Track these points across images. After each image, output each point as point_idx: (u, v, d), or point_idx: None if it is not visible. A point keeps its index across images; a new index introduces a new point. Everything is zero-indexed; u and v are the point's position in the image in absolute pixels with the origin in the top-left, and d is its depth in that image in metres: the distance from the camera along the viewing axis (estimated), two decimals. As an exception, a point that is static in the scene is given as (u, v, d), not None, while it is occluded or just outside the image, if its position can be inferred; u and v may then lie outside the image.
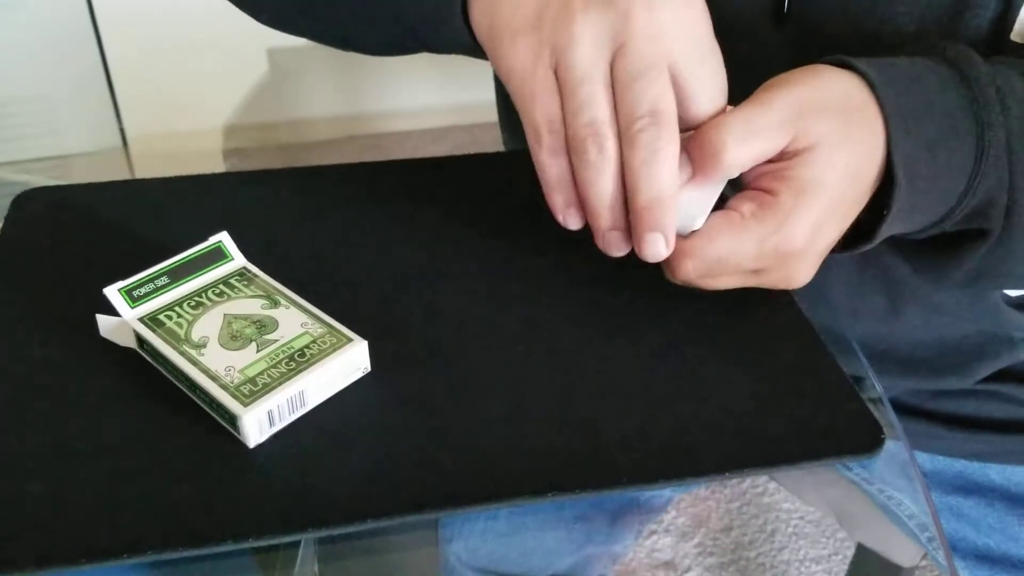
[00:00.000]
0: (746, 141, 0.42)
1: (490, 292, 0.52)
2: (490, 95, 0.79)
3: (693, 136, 0.42)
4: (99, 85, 1.69)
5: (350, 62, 1.85)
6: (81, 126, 1.77)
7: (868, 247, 0.48)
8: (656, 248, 0.43)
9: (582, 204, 0.44)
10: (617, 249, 0.44)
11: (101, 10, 1.59)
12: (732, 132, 0.42)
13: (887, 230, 0.47)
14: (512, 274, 0.53)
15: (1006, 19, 0.54)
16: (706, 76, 0.43)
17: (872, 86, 0.44)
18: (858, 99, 0.44)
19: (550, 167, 0.44)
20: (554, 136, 0.43)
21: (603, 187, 0.42)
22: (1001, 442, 0.69)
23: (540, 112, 0.43)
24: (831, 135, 0.44)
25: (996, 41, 0.54)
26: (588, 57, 0.41)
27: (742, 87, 0.49)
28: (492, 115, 0.80)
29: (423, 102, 1.95)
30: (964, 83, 0.46)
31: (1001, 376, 0.67)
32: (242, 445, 0.42)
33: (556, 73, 0.43)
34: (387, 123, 2.04)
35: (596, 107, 0.41)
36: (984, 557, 0.70)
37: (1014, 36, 0.54)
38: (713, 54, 0.44)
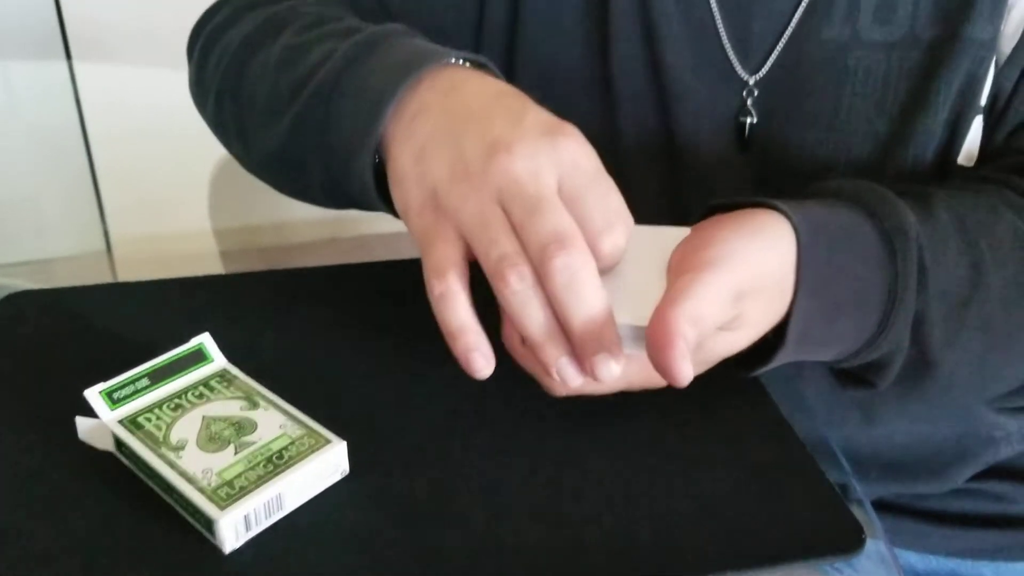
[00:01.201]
0: (695, 330, 0.41)
1: (469, 393, 0.52)
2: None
3: (649, 325, 0.41)
4: (86, 190, 1.71)
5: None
6: (66, 230, 1.78)
7: (745, 375, 0.49)
8: (608, 369, 0.41)
9: (525, 342, 0.43)
10: (574, 379, 0.42)
11: (91, 120, 1.62)
12: (684, 325, 0.40)
13: (767, 367, 0.47)
14: (492, 374, 0.53)
15: (952, 146, 0.56)
16: (595, 202, 0.43)
17: (799, 246, 0.44)
18: (787, 267, 0.44)
19: (444, 316, 0.42)
20: (442, 282, 0.42)
21: (537, 314, 0.41)
22: (991, 538, 0.69)
23: (430, 260, 0.43)
24: (759, 316, 0.44)
25: (943, 162, 0.57)
26: (479, 209, 0.42)
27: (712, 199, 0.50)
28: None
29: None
30: (890, 259, 0.46)
31: (985, 474, 0.67)
32: (218, 551, 0.42)
33: (459, 233, 0.43)
34: (369, 225, 2.05)
35: (502, 244, 0.41)
36: None
37: (961, 160, 0.56)
38: (598, 181, 0.43)
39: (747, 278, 0.43)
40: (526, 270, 0.41)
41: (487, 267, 0.42)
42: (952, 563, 0.71)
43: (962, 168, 0.57)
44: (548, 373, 0.42)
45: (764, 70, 0.59)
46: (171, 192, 1.71)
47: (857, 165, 0.58)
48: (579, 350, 0.41)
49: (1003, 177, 0.54)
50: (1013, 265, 0.49)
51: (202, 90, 0.63)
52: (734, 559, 0.42)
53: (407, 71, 0.47)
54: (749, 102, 0.60)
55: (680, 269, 0.43)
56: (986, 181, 0.54)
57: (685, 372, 0.39)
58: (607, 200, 0.43)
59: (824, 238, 0.45)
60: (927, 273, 0.47)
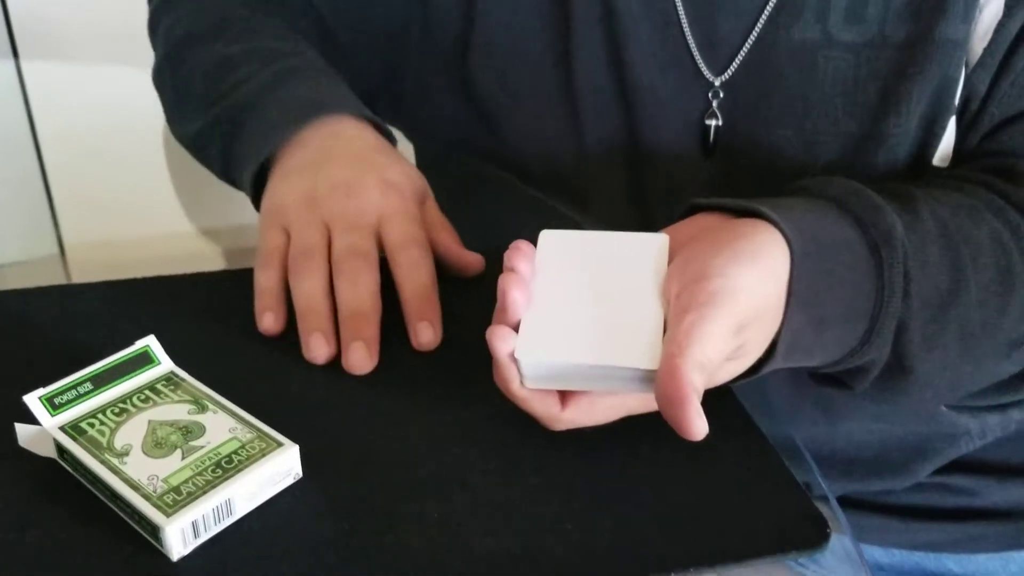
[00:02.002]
0: (704, 374, 0.41)
1: (427, 392, 0.51)
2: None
3: (659, 377, 0.40)
4: (37, 193, 1.67)
5: (294, 169, 1.83)
6: (18, 235, 1.74)
7: (731, 384, 0.49)
8: (358, 356, 0.50)
9: (295, 303, 0.52)
10: (316, 350, 0.51)
11: (40, 120, 1.58)
12: (695, 376, 0.40)
13: (754, 377, 0.48)
14: (449, 372, 0.52)
15: (926, 147, 0.55)
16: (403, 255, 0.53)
17: (792, 260, 0.44)
18: (782, 287, 0.44)
19: (258, 279, 0.54)
20: (267, 258, 0.54)
21: (310, 290, 0.51)
22: (954, 531, 0.69)
23: (262, 244, 0.55)
24: (760, 341, 0.45)
25: (916, 164, 0.56)
26: (309, 221, 0.54)
27: (679, 207, 0.50)
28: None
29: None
30: (877, 269, 0.46)
31: (946, 469, 0.68)
32: (166, 559, 0.40)
33: (287, 234, 0.54)
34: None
35: (311, 238, 0.53)
36: None
37: (936, 161, 0.56)
38: (409, 240, 0.54)
39: (749, 309, 0.42)
40: (318, 259, 0.52)
41: (292, 252, 0.53)
42: (916, 556, 0.71)
43: (938, 169, 0.56)
44: (303, 341, 0.51)
45: (730, 71, 0.58)
46: (126, 194, 1.67)
47: (827, 168, 0.57)
48: (342, 333, 0.51)
49: (982, 178, 0.53)
50: (990, 270, 0.49)
51: (153, 41, 0.74)
52: (697, 557, 0.41)
53: (301, 116, 0.58)
54: (715, 104, 0.58)
55: (680, 305, 0.42)
56: (966, 182, 0.53)
57: (700, 428, 0.39)
58: (409, 251, 0.53)
59: (815, 249, 0.45)
60: (910, 280, 0.46)
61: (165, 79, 0.70)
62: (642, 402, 0.45)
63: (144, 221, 1.74)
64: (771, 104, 0.57)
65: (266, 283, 0.53)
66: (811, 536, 0.43)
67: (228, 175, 0.64)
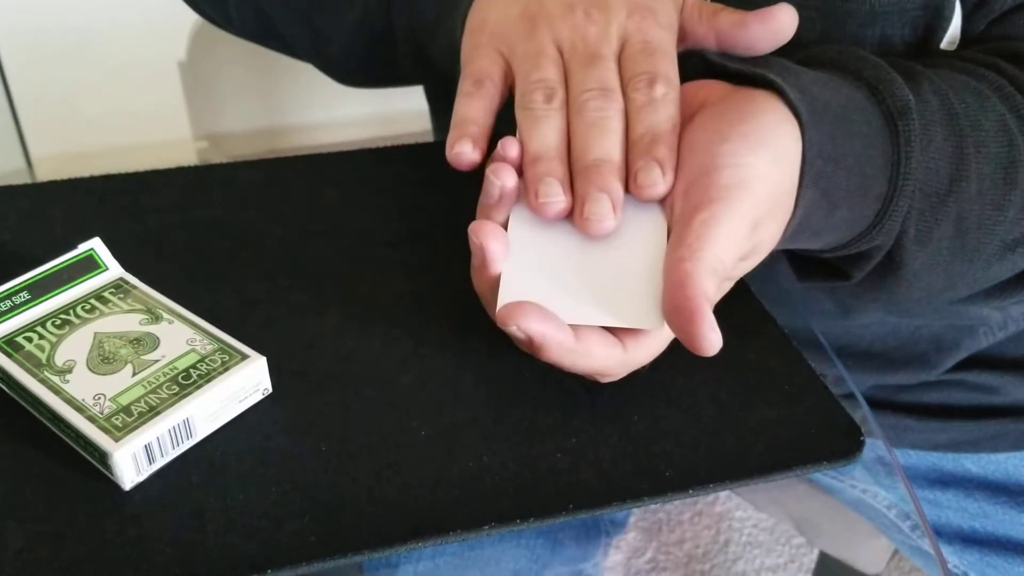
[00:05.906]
0: (716, 278, 0.37)
1: (411, 298, 0.46)
2: (419, 104, 0.73)
3: (667, 285, 0.37)
4: (-1, 105, 1.59)
5: (267, 74, 1.77)
6: (-21, 148, 1.66)
7: None
8: (601, 206, 0.39)
9: (523, 156, 0.42)
10: (554, 195, 0.40)
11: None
12: (707, 283, 0.37)
13: None
14: (437, 278, 0.47)
15: (933, 29, 0.51)
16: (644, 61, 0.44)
17: (803, 132, 0.40)
18: (795, 168, 0.41)
19: (460, 106, 0.44)
20: (476, 85, 0.44)
21: (550, 134, 0.42)
22: (973, 430, 0.67)
23: (470, 69, 0.44)
24: (774, 235, 0.41)
25: (921, 45, 0.52)
26: (537, 44, 0.44)
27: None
28: (421, 124, 0.75)
29: (347, 113, 1.88)
30: (892, 141, 0.43)
31: (966, 364, 0.65)
32: (116, 488, 0.36)
33: (505, 59, 0.45)
34: (310, 136, 1.96)
35: (546, 71, 0.43)
36: (971, 540, 0.68)
37: (944, 45, 0.52)
38: (660, 52, 0.44)
39: (763, 203, 0.39)
40: (559, 97, 0.42)
41: (521, 87, 0.43)
42: (933, 457, 0.69)
43: (944, 51, 0.52)
44: (531, 190, 0.41)
45: None
46: (95, 106, 1.60)
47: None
48: (580, 185, 0.40)
49: (988, 60, 0.50)
50: (993, 161, 0.46)
51: None
52: (717, 473, 0.38)
53: None
54: None
55: (690, 203, 0.38)
56: (971, 63, 0.50)
57: (713, 342, 0.35)
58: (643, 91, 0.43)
59: (826, 117, 0.41)
60: (920, 161, 0.43)
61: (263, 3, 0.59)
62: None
63: (113, 132, 1.67)
64: None
65: (471, 111, 0.43)
66: (843, 445, 0.39)
67: (419, 43, 0.53)
